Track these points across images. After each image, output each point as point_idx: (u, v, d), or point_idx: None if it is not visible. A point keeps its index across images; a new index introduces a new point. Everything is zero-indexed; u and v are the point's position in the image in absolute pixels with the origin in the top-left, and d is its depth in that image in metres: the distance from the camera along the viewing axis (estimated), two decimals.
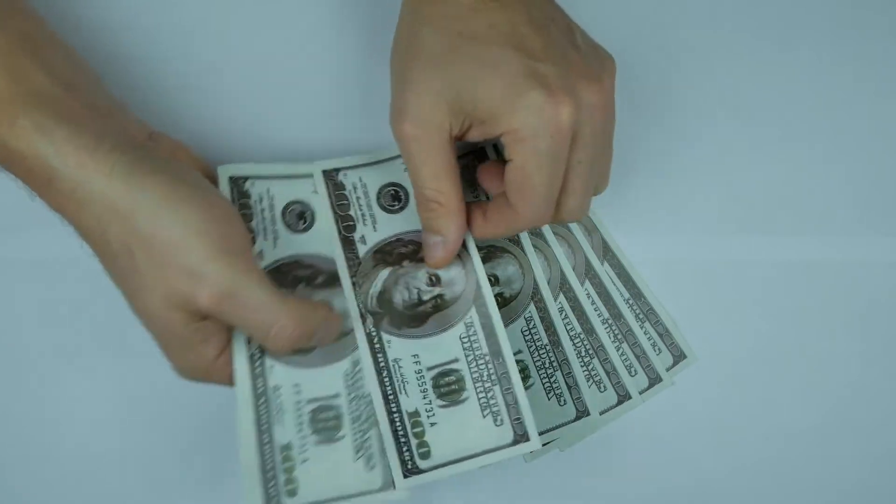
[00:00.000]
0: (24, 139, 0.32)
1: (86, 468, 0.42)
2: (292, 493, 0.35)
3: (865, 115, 0.47)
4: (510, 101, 0.34)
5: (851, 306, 0.45)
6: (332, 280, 0.39)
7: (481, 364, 0.39)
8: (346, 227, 0.41)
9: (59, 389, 0.42)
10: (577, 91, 0.35)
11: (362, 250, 0.41)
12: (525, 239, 0.43)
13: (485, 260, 0.43)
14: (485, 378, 0.38)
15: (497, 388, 0.38)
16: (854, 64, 0.47)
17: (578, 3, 0.38)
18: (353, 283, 0.40)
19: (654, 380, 0.44)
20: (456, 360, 0.39)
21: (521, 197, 0.36)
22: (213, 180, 0.40)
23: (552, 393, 0.43)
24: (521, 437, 0.37)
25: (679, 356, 0.44)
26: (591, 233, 0.45)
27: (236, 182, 0.39)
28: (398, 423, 0.37)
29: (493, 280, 0.43)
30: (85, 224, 0.32)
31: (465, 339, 0.39)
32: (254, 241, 0.38)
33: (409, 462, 0.37)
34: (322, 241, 0.39)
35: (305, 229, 0.39)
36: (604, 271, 0.44)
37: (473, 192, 0.43)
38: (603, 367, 0.43)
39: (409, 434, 0.37)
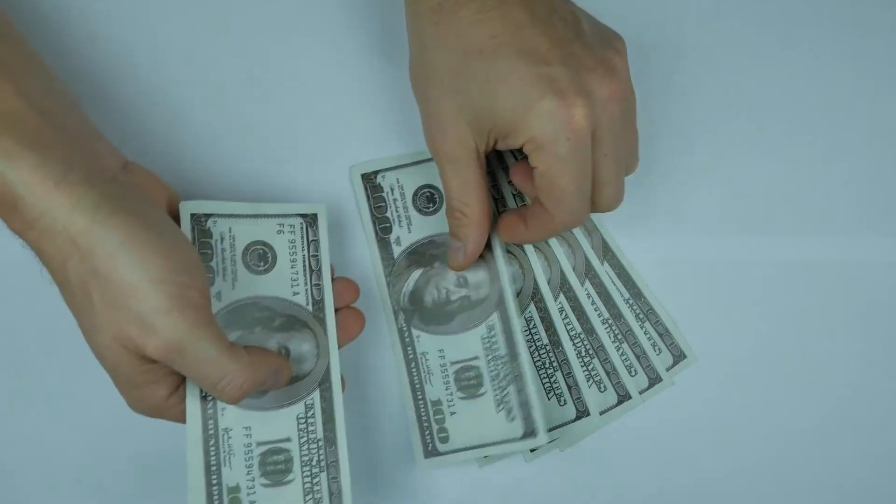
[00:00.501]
0: None
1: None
2: None
3: (866, 114, 0.47)
4: (524, 111, 0.34)
5: (851, 306, 0.45)
6: (289, 324, 0.38)
7: (499, 364, 0.41)
8: (382, 229, 0.43)
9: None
10: (589, 87, 0.35)
11: (397, 251, 0.43)
12: None
13: None
14: (501, 377, 0.41)
15: (512, 387, 0.41)
16: (856, 62, 0.47)
17: (580, 2, 0.38)
18: (388, 283, 0.43)
19: (654, 380, 0.44)
20: (476, 358, 0.41)
21: (553, 202, 0.36)
22: None
23: (552, 393, 0.43)
24: (529, 432, 0.40)
25: (679, 356, 0.44)
26: (591, 233, 0.45)
27: (198, 220, 0.38)
28: (422, 410, 0.41)
29: None
30: (46, 253, 0.32)
31: (486, 340, 0.41)
32: (212, 281, 0.38)
33: (430, 444, 0.41)
34: (282, 283, 0.39)
35: (266, 270, 0.39)
36: (604, 271, 0.44)
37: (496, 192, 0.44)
38: (603, 367, 0.43)
39: (431, 420, 0.41)
